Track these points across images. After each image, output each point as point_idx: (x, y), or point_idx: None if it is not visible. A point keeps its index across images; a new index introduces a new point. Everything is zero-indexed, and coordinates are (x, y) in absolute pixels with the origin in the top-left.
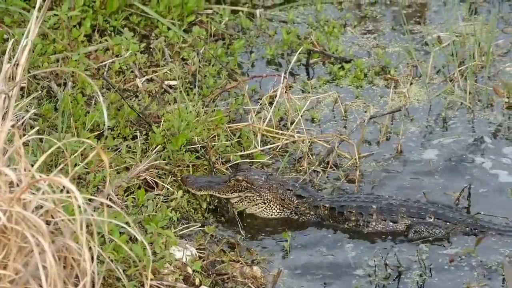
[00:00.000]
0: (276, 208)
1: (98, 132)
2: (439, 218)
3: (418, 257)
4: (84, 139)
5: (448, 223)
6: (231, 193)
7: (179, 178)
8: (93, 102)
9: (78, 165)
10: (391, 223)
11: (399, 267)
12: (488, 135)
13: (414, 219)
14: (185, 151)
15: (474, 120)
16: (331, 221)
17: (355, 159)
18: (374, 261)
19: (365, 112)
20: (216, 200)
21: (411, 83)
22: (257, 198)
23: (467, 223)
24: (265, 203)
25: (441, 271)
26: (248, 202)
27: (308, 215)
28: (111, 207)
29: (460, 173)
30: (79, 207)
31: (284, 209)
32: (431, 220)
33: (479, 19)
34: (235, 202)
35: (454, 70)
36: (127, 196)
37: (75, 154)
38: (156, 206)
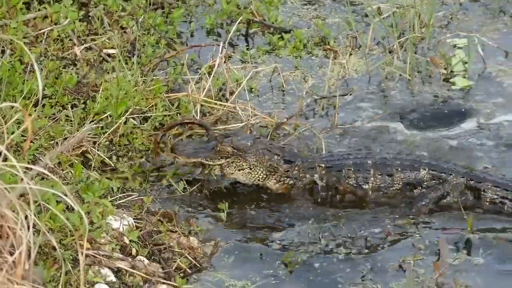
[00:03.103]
0: (261, 173)
1: (36, 100)
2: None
3: (355, 230)
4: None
5: (443, 174)
6: (218, 160)
7: (170, 147)
8: (31, 70)
9: (14, 132)
10: (387, 177)
11: (335, 240)
12: (425, 107)
13: (408, 171)
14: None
15: (413, 91)
16: (329, 181)
17: (293, 130)
18: (309, 232)
19: (304, 83)
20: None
21: (350, 54)
22: (243, 163)
23: (462, 174)
24: (250, 169)
25: (378, 246)
26: (234, 167)
27: (304, 178)
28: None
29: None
30: (16, 175)
31: (271, 174)
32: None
33: None
34: (223, 168)
35: (394, 41)
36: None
37: (11, 122)
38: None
